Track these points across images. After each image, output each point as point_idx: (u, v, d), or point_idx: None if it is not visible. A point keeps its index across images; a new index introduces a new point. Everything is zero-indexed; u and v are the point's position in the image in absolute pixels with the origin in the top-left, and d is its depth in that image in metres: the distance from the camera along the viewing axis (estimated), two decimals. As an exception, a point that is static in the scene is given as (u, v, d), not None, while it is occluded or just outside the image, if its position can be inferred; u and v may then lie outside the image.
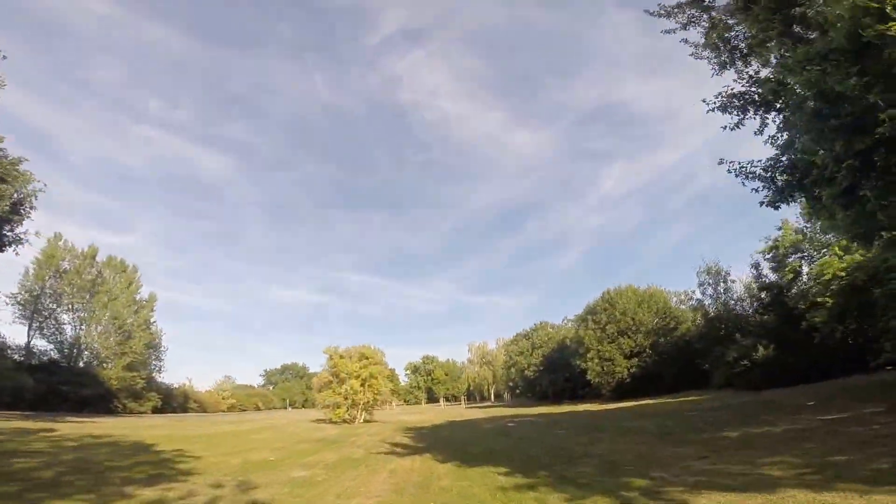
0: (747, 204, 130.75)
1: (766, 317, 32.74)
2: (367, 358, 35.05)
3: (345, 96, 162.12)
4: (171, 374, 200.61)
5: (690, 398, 29.25)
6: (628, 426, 16.71)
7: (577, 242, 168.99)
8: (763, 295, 33.73)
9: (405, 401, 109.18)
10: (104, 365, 49.71)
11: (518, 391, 64.07)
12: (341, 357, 34.98)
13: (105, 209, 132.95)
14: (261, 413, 70.16)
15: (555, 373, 50.18)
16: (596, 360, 39.89)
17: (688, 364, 38.35)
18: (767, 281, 33.37)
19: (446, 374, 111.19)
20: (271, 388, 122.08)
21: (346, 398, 33.34)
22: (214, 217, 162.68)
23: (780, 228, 31.46)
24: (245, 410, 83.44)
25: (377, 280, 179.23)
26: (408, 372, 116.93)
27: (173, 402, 60.86)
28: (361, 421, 34.02)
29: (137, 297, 55.19)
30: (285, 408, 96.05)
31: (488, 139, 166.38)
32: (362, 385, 33.86)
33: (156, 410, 52.70)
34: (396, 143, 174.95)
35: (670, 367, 37.98)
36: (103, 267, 52.90)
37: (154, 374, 61.10)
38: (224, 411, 74.10)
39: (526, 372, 54.81)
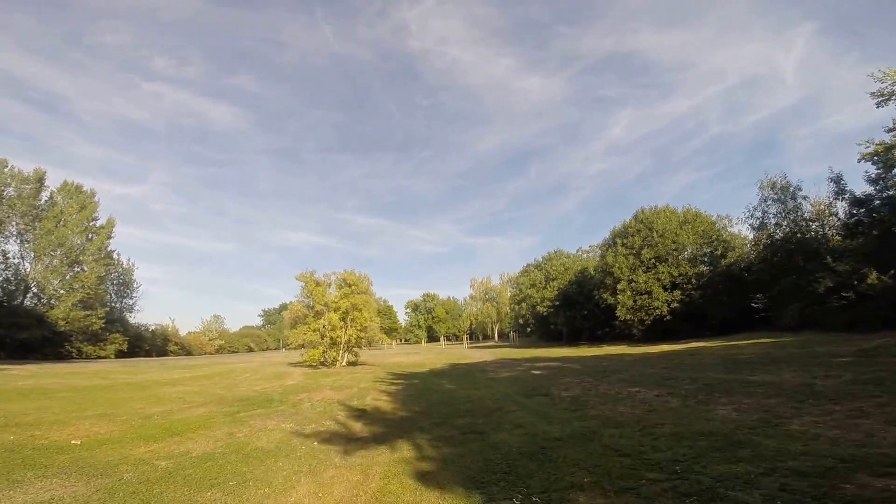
0: (756, 154, 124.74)
1: (852, 240, 25.48)
2: (349, 285, 28.14)
3: (353, 46, 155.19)
4: (165, 318, 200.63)
5: (764, 340, 22.24)
6: (767, 381, 9.68)
7: (581, 187, 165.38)
8: (854, 212, 26.33)
9: (405, 340, 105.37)
10: (56, 303, 43.33)
11: (529, 330, 57.46)
12: (318, 284, 28.11)
13: (116, 162, 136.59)
14: (246, 355, 65.11)
15: (572, 309, 43.46)
16: (628, 294, 32.85)
17: (740, 299, 31.55)
18: (858, 195, 25.90)
19: (447, 313, 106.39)
20: (269, 328, 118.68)
21: (323, 336, 26.83)
22: (224, 164, 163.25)
23: (890, 130, 23.59)
24: (235, 352, 78.87)
25: (381, 221, 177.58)
26: (408, 310, 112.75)
27: (146, 344, 55.03)
28: (344, 364, 27.71)
29: (97, 224, 47.94)
30: (278, 348, 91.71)
31: (497, 84, 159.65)
32: (343, 319, 27.23)
33: (122, 354, 46.97)
34: (404, 89, 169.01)
35: (718, 304, 31.09)
36: (57, 192, 46.54)
37: (125, 315, 55.55)
38: (210, 354, 69.22)
39: (538, 308, 47.75)
